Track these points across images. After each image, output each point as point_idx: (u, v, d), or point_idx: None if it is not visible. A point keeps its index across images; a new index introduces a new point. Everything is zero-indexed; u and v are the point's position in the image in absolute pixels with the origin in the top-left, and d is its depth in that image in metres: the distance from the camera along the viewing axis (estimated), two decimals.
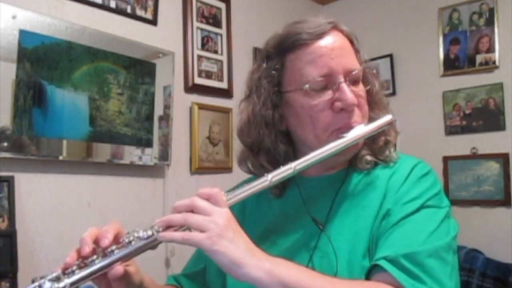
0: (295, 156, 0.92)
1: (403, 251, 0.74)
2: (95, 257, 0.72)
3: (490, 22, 2.74)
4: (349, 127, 0.86)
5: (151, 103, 2.18)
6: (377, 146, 0.92)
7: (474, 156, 2.75)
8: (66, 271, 0.71)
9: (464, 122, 2.81)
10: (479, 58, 2.76)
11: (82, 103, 1.92)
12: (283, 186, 0.96)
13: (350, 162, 0.93)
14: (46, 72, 1.80)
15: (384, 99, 0.96)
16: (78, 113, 1.91)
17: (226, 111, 2.59)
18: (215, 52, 2.59)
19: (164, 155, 2.24)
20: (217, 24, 2.62)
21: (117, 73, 2.04)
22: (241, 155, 1.00)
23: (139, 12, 2.22)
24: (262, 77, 0.92)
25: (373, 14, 3.20)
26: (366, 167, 0.91)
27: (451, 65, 2.86)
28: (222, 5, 2.66)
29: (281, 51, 0.91)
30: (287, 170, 0.80)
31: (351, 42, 0.92)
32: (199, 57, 2.49)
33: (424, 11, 2.97)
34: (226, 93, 2.62)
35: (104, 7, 2.07)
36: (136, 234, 0.73)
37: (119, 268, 0.72)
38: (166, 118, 2.25)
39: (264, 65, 0.93)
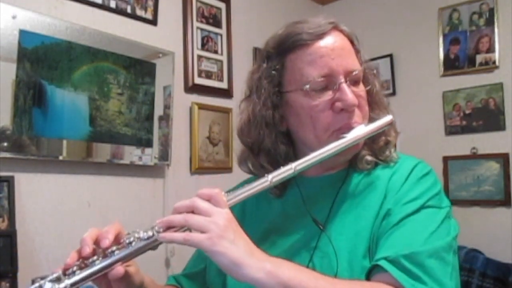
0: (295, 157, 0.92)
1: (403, 252, 0.74)
2: (95, 257, 0.72)
3: (490, 22, 2.74)
4: (349, 128, 0.86)
5: (151, 103, 2.18)
6: (377, 146, 0.92)
7: (474, 156, 2.75)
8: (67, 271, 0.71)
9: (464, 122, 2.81)
10: (479, 58, 2.76)
11: (82, 103, 1.92)
12: (283, 186, 0.96)
13: (350, 162, 0.93)
14: (46, 72, 1.80)
15: (384, 99, 0.96)
16: (78, 113, 1.91)
17: (226, 111, 2.59)
18: (215, 52, 2.59)
19: (164, 155, 2.24)
20: (217, 24, 2.62)
21: (117, 73, 2.04)
22: (241, 155, 0.99)
23: (139, 12, 2.22)
24: (263, 77, 0.92)
25: (373, 14, 3.20)
26: (366, 167, 0.91)
27: (451, 65, 2.86)
28: (222, 5, 2.66)
29: (281, 51, 0.91)
30: (288, 171, 0.80)
31: (352, 42, 0.92)
32: (199, 57, 2.49)
33: (424, 11, 2.97)
34: (226, 93, 2.62)
35: (104, 7, 2.07)
36: (136, 235, 0.73)
37: (119, 269, 0.72)
38: (166, 118, 2.25)
39: (264, 65, 0.93)
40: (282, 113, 0.92)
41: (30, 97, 1.75)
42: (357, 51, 0.92)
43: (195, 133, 2.43)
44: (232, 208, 0.76)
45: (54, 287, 0.68)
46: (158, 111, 2.22)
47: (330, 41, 0.87)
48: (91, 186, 2.00)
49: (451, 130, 2.85)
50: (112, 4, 2.10)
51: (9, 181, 1.71)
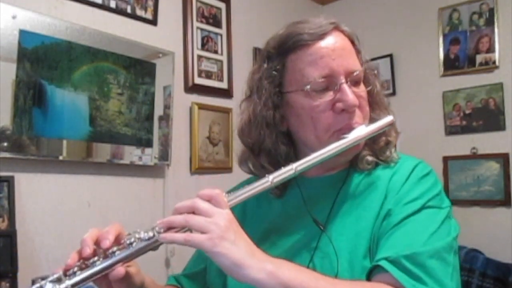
0: (296, 157, 0.92)
1: (404, 252, 0.74)
2: (96, 258, 0.72)
3: (490, 22, 2.74)
4: (350, 128, 0.86)
5: (151, 103, 2.18)
6: (378, 147, 0.92)
7: (474, 156, 2.75)
8: (67, 272, 0.71)
9: (464, 122, 2.81)
10: (479, 58, 2.76)
11: (82, 103, 1.92)
12: (284, 186, 0.96)
13: (351, 163, 0.93)
14: (46, 72, 1.80)
15: (385, 99, 0.96)
16: (78, 113, 1.91)
17: (226, 111, 2.59)
18: (215, 52, 2.59)
19: (164, 155, 2.24)
20: (217, 24, 2.62)
21: (117, 73, 2.04)
22: (241, 156, 0.99)
23: (139, 12, 2.22)
24: (263, 78, 0.92)
25: (373, 14, 3.20)
26: (367, 167, 0.91)
27: (451, 65, 2.86)
28: (222, 5, 2.66)
29: (282, 52, 0.91)
30: (288, 171, 0.80)
31: (352, 42, 0.92)
32: (199, 57, 2.49)
33: (424, 11, 2.97)
34: (226, 93, 2.62)
35: (104, 7, 2.07)
36: (137, 235, 0.73)
37: (120, 269, 0.72)
38: (166, 118, 2.25)
39: (265, 65, 0.93)
40: (283, 114, 0.92)
41: (30, 97, 1.75)
42: (358, 52, 0.92)
43: (195, 133, 2.43)
44: (233, 209, 0.76)
45: (54, 287, 0.68)
46: (158, 111, 2.22)
47: (331, 41, 0.87)
48: (91, 186, 2.00)
49: (451, 130, 2.86)
50: (112, 4, 2.10)
51: (9, 181, 1.71)
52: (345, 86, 0.85)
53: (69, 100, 1.87)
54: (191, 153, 2.43)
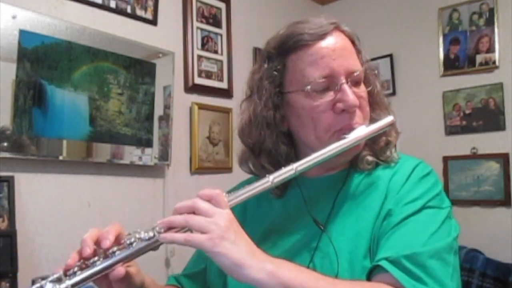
0: (296, 157, 0.93)
1: (404, 252, 0.74)
2: (96, 258, 0.72)
3: (490, 22, 2.74)
4: (350, 128, 0.86)
5: (151, 103, 2.18)
6: (378, 147, 0.92)
7: (474, 156, 2.75)
8: (68, 272, 0.71)
9: (464, 122, 2.81)
10: (479, 58, 2.76)
11: (82, 103, 1.92)
12: (284, 186, 0.95)
13: (351, 163, 0.93)
14: (46, 72, 1.80)
15: (385, 100, 0.96)
16: (78, 113, 1.91)
17: (226, 111, 2.59)
18: (215, 52, 2.59)
19: (164, 155, 2.24)
20: (217, 24, 2.62)
21: (117, 73, 2.04)
22: (242, 156, 0.99)
23: (139, 12, 2.22)
24: (264, 78, 0.92)
25: (373, 14, 3.20)
26: (367, 167, 0.91)
27: (451, 65, 2.86)
28: (222, 5, 2.66)
29: (282, 52, 0.91)
30: (289, 171, 0.80)
31: (353, 42, 0.92)
32: (199, 57, 2.49)
33: (424, 11, 2.97)
34: (226, 93, 2.62)
35: (104, 7, 2.07)
36: (137, 235, 0.73)
37: (120, 269, 0.72)
38: (166, 118, 2.25)
39: (266, 65, 0.93)
40: (283, 114, 0.92)
41: (30, 97, 1.75)
42: (358, 52, 0.92)
43: (195, 133, 2.43)
44: (233, 209, 0.76)
45: (55, 287, 0.68)
46: (158, 111, 2.22)
47: (331, 41, 0.87)
48: (91, 186, 2.00)
49: (451, 130, 2.86)
50: (112, 4, 2.10)
51: (9, 181, 1.70)
52: (346, 87, 0.85)
53: (69, 100, 1.87)
54: (191, 153, 2.43)
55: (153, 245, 0.73)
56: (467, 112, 2.80)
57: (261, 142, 0.93)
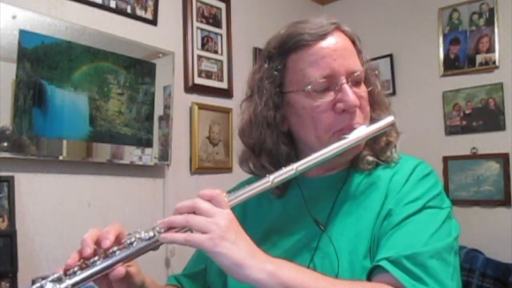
0: (296, 157, 0.93)
1: (405, 252, 0.74)
2: (96, 258, 0.72)
3: (490, 22, 2.74)
4: (350, 128, 0.86)
5: (151, 103, 2.18)
6: (378, 147, 0.92)
7: (474, 156, 2.75)
8: (68, 272, 0.71)
9: (464, 122, 2.81)
10: (479, 58, 2.76)
11: (82, 103, 1.92)
12: (284, 186, 0.95)
13: (351, 163, 0.93)
14: (46, 72, 1.80)
15: (385, 100, 0.96)
16: (78, 113, 1.91)
17: (226, 111, 2.59)
18: (215, 52, 2.59)
19: (164, 155, 2.24)
20: (217, 24, 2.62)
21: (117, 73, 2.04)
22: (242, 155, 0.99)
23: (139, 12, 2.22)
24: (264, 78, 0.92)
25: (373, 14, 3.20)
26: (367, 167, 0.91)
27: (451, 65, 2.86)
28: (222, 5, 2.66)
29: (283, 52, 0.90)
30: (289, 171, 0.80)
31: (354, 42, 0.92)
32: (199, 57, 2.49)
33: (424, 11, 2.97)
34: (226, 93, 2.62)
35: (104, 7, 2.07)
36: (137, 235, 0.73)
37: (120, 269, 0.72)
38: (166, 118, 2.25)
39: (266, 65, 0.93)
40: (284, 114, 0.92)
41: (30, 97, 1.75)
42: (359, 52, 0.92)
43: (195, 133, 2.43)
44: (233, 209, 0.76)
45: (55, 287, 0.68)
46: (158, 111, 2.22)
47: (332, 41, 0.87)
48: (91, 186, 2.00)
49: (451, 130, 2.86)
50: (112, 4, 2.10)
51: (9, 181, 1.70)
52: (346, 87, 0.85)
53: (69, 100, 1.87)
54: (191, 153, 2.43)
55: (153, 245, 0.73)
56: (467, 112, 2.80)
57: (261, 142, 0.93)
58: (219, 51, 2.61)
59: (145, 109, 2.15)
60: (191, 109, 2.44)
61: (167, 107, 2.25)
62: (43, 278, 0.70)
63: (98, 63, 1.98)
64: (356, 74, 0.87)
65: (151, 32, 2.26)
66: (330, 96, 0.86)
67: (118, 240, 0.75)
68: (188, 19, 2.45)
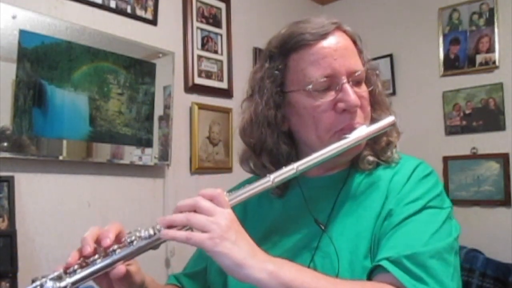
0: (297, 157, 0.92)
1: (405, 252, 0.74)
2: (96, 256, 0.72)
3: (490, 22, 2.74)
4: (351, 128, 0.86)
5: (151, 103, 2.18)
6: (379, 147, 0.92)
7: (474, 156, 2.75)
8: (68, 270, 0.71)
9: (464, 122, 2.81)
10: (479, 58, 2.76)
11: (82, 103, 1.92)
12: (284, 186, 0.95)
13: (351, 163, 0.93)
14: (46, 72, 1.80)
15: (386, 100, 0.96)
16: (78, 113, 1.90)
17: (226, 111, 2.59)
18: (215, 52, 2.59)
19: (164, 155, 2.24)
20: (217, 24, 2.62)
21: (117, 73, 2.04)
22: (243, 155, 0.99)
23: (139, 12, 2.22)
24: (265, 77, 0.92)
25: (373, 14, 3.20)
26: (368, 167, 0.91)
27: (451, 65, 2.86)
28: (222, 5, 2.66)
29: (284, 51, 0.91)
30: (290, 171, 0.80)
31: (355, 42, 0.92)
32: (199, 57, 2.49)
33: (424, 11, 2.97)
34: (226, 93, 2.62)
35: (104, 7, 2.07)
36: (137, 234, 0.73)
37: (121, 268, 0.72)
38: (166, 118, 2.25)
39: (267, 65, 0.93)
40: (284, 113, 0.92)
41: (30, 97, 1.75)
42: (360, 51, 0.92)
43: (195, 133, 2.43)
44: (234, 208, 0.76)
45: (55, 285, 0.68)
46: (158, 111, 2.22)
47: (333, 41, 0.87)
48: (91, 186, 1.99)
49: (451, 130, 2.86)
50: (112, 4, 2.10)
51: (9, 181, 1.70)
52: (347, 86, 0.85)
53: (69, 100, 1.87)
54: (191, 153, 2.43)
55: (153, 244, 0.73)
56: (467, 112, 2.80)
57: (262, 141, 0.93)
58: (219, 51, 2.61)
59: (145, 109, 2.15)
60: (191, 109, 2.44)
61: (167, 107, 2.25)
62: (43, 277, 0.71)
63: (98, 63, 1.98)
64: (357, 74, 0.87)
65: (151, 32, 2.26)
66: (331, 96, 0.86)
67: (118, 239, 0.75)
68: (188, 19, 2.45)
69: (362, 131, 0.85)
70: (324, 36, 0.87)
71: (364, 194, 0.88)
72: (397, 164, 0.91)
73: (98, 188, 2.02)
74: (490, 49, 2.72)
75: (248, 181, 0.95)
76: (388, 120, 0.89)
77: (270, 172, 0.81)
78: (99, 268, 0.71)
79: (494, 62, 2.71)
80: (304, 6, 3.29)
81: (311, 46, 0.87)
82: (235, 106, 2.51)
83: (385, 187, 0.86)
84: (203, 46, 2.53)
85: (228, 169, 2.58)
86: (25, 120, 1.73)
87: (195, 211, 0.72)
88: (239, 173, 1.06)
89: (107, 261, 0.72)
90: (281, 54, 0.91)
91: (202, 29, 2.53)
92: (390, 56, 3.08)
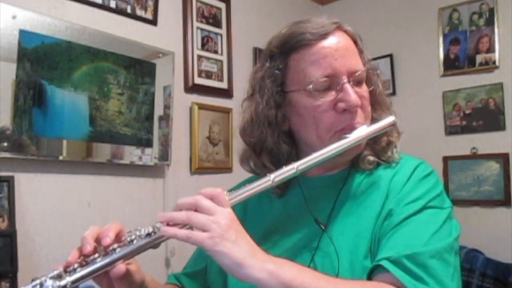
0: (297, 156, 0.92)
1: (405, 252, 0.74)
2: (96, 255, 0.72)
3: (490, 22, 2.74)
4: (352, 128, 0.86)
5: (151, 103, 2.18)
6: (379, 147, 0.92)
7: (474, 156, 2.75)
8: (68, 269, 0.71)
9: (464, 122, 2.81)
10: (479, 58, 2.76)
11: (82, 103, 1.92)
12: (285, 186, 0.96)
13: (352, 162, 0.93)
14: (46, 72, 1.80)
15: (387, 100, 0.96)
16: (78, 113, 1.90)
17: (226, 111, 2.59)
18: (215, 52, 2.59)
19: (164, 155, 2.24)
20: (217, 24, 2.62)
21: (117, 73, 2.04)
22: (243, 154, 0.99)
23: (139, 12, 2.22)
24: (266, 77, 0.92)
25: (373, 14, 3.20)
26: (368, 167, 0.91)
27: (451, 65, 2.86)
28: (222, 5, 2.66)
29: (284, 51, 0.91)
30: (290, 170, 0.80)
31: (355, 42, 0.92)
32: (199, 57, 2.49)
33: (424, 11, 2.98)
34: (226, 93, 2.62)
35: (104, 7, 2.07)
36: (137, 233, 0.73)
37: (121, 267, 0.72)
38: (166, 118, 2.25)
39: (268, 64, 0.93)
40: (285, 113, 0.92)
41: (30, 97, 1.75)
42: (360, 51, 0.92)
43: (195, 133, 2.43)
44: (234, 208, 0.75)
45: (55, 284, 0.68)
46: (158, 111, 2.22)
47: (333, 41, 0.87)
48: (91, 186, 1.99)
49: (451, 130, 2.86)
50: (112, 4, 2.10)
51: (9, 181, 1.70)
52: (348, 86, 0.85)
53: (69, 100, 1.87)
54: (191, 153, 2.43)
55: (153, 242, 0.73)
56: (467, 112, 2.80)
57: (262, 141, 0.93)
58: (219, 51, 2.61)
59: (145, 109, 2.15)
60: (191, 109, 2.44)
61: (167, 107, 2.25)
62: (43, 277, 0.71)
63: (98, 63, 1.98)
64: (357, 73, 0.87)
65: (151, 32, 2.26)
66: (331, 96, 0.86)
67: (118, 238, 0.75)
68: (188, 19, 2.45)
69: (362, 131, 0.85)
70: (324, 36, 0.87)
71: (365, 194, 0.88)
72: (398, 164, 0.91)
73: (98, 188, 2.02)
74: (490, 49, 2.73)
75: (248, 181, 0.95)
76: (388, 120, 0.89)
77: (270, 171, 0.81)
78: (99, 267, 0.71)
79: (494, 62, 2.71)
80: (304, 6, 3.29)
81: (312, 46, 0.87)
82: (235, 106, 2.51)
83: (385, 187, 0.86)
84: (203, 46, 2.53)
85: (228, 169, 2.58)
86: (25, 120, 1.73)
87: (195, 210, 0.72)
88: (239, 173, 1.06)
89: (107, 260, 0.72)
90: (282, 54, 0.91)
91: (202, 29, 2.53)
92: (390, 56, 3.08)
